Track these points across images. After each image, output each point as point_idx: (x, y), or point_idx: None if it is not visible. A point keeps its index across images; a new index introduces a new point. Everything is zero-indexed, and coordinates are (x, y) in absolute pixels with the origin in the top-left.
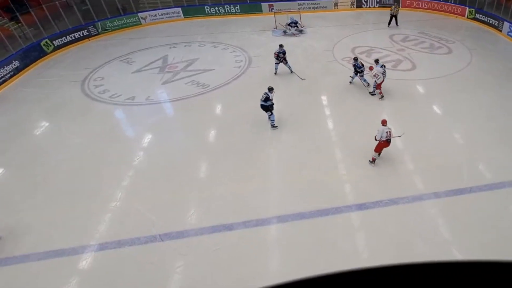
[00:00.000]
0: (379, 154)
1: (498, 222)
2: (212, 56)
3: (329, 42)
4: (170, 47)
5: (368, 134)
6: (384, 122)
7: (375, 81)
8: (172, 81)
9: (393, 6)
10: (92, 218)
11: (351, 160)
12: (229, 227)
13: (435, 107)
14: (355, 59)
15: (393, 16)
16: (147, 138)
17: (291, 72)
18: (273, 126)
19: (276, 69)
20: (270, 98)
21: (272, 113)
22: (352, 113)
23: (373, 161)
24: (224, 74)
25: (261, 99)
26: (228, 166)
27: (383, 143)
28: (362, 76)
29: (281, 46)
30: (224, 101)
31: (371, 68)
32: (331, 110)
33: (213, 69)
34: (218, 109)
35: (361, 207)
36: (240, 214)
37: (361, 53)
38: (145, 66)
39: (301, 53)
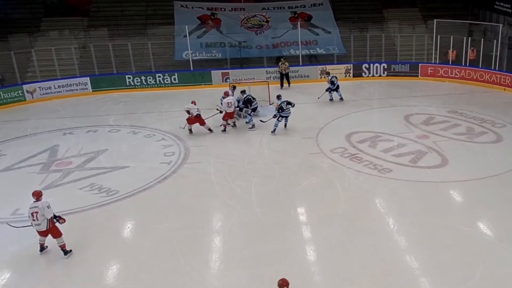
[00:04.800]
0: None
1: None
2: (128, 146)
3: (311, 126)
4: (65, 134)
5: (375, 274)
6: (193, 102)
7: (226, 110)
8: (60, 184)
9: (280, 63)
10: None
11: None
12: None
13: (481, 225)
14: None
15: (283, 75)
16: (2, 279)
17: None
18: None
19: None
20: None
21: None
22: (347, 236)
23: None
24: (143, 174)
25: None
26: None
27: (194, 119)
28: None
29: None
30: (139, 217)
31: (226, 94)
32: (313, 233)
33: (127, 166)
34: (128, 230)
35: None
36: None
37: (362, 141)
38: (21, 161)
39: (267, 143)
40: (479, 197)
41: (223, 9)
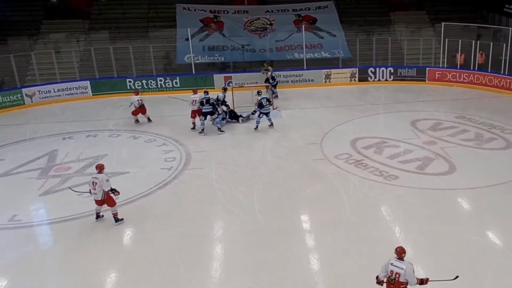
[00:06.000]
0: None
1: None
2: (129, 151)
3: (315, 131)
4: (64, 138)
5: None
6: (136, 92)
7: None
8: (58, 190)
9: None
10: None
11: None
12: None
13: (490, 234)
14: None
15: (268, 79)
16: None
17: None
18: None
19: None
20: None
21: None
22: (352, 245)
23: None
24: (143, 179)
25: None
26: None
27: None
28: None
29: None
30: (138, 224)
31: (194, 91)
32: (316, 240)
33: (127, 172)
34: (128, 237)
35: None
36: None
37: (368, 147)
38: (19, 166)
39: (270, 148)
40: (487, 205)
41: (226, 12)
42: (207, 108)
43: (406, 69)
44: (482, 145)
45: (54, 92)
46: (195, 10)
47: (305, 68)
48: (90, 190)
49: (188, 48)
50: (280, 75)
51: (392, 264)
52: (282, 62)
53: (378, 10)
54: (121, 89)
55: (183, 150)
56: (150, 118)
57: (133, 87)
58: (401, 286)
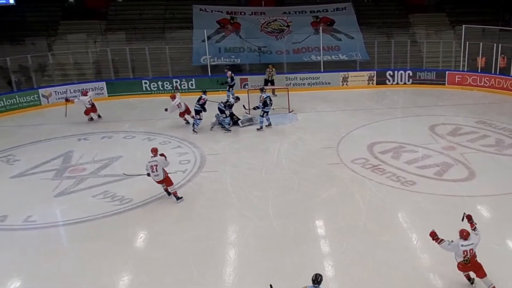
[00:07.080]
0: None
1: None
2: (144, 153)
3: (332, 135)
4: (79, 140)
5: None
6: (85, 93)
7: (179, 111)
8: (73, 191)
9: (268, 69)
10: None
11: None
12: None
13: (510, 243)
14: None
15: (268, 81)
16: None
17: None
18: None
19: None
20: None
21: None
22: (368, 251)
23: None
24: None
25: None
26: None
27: (89, 109)
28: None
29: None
30: (152, 227)
31: (173, 97)
32: (332, 247)
33: (142, 174)
34: (141, 240)
35: None
36: None
37: (385, 152)
38: (34, 167)
39: (286, 152)
40: (508, 212)
41: (242, 13)
42: (196, 107)
43: (425, 72)
44: (502, 151)
45: (70, 92)
46: (211, 11)
47: (322, 70)
48: (149, 173)
49: (204, 49)
50: (296, 78)
51: (462, 245)
52: (299, 64)
53: (397, 12)
54: (137, 90)
55: (197, 153)
56: (100, 115)
57: (149, 89)
58: (475, 259)
